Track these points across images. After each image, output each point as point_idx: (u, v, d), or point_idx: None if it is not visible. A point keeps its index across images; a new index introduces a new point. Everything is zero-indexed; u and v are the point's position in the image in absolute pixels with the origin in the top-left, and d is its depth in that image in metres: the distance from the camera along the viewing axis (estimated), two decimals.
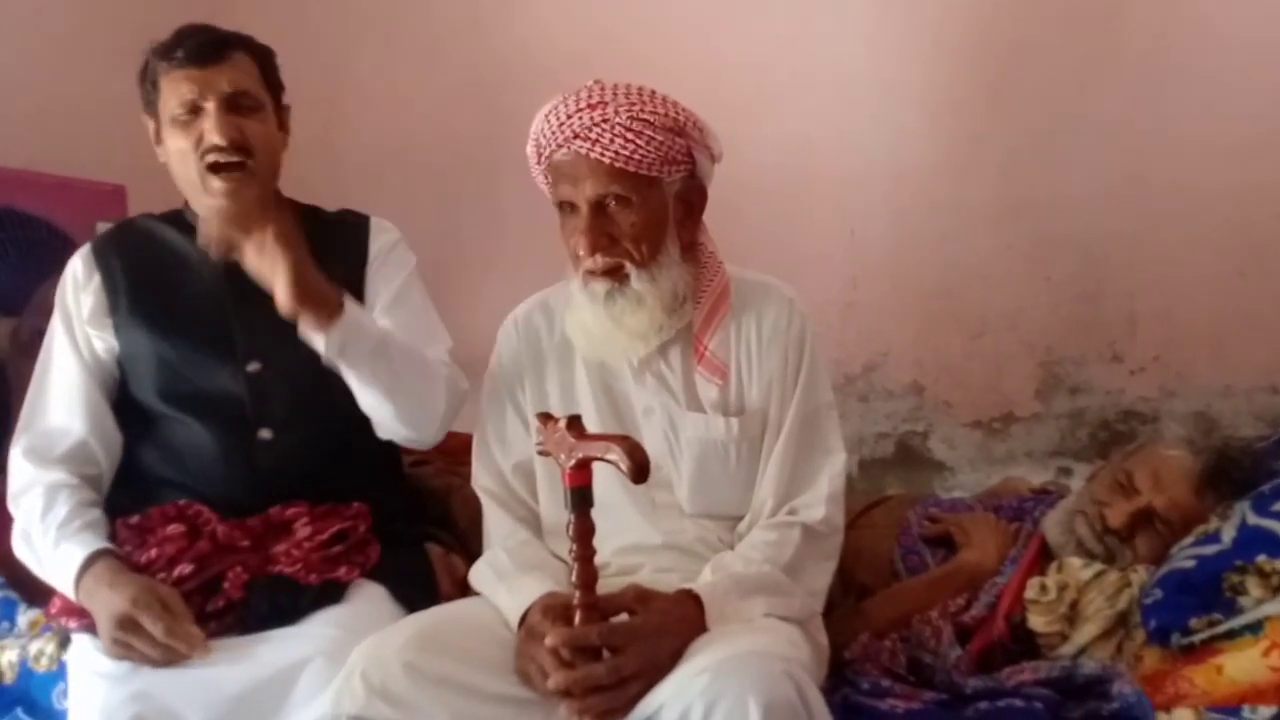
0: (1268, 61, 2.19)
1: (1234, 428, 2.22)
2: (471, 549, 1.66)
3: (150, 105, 1.63)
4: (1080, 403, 2.38)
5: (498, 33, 2.75)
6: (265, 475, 1.58)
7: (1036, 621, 1.50)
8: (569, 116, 1.44)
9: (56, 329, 1.66)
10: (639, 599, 1.33)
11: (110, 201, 2.43)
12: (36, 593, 1.63)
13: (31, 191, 2.30)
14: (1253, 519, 1.48)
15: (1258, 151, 2.20)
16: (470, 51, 2.77)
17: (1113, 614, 1.49)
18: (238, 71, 1.60)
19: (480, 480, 1.60)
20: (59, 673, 1.54)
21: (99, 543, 1.50)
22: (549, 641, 1.27)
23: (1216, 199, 2.23)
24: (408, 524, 1.70)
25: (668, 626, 1.31)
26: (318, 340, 1.45)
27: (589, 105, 1.43)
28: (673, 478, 1.53)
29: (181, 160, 1.60)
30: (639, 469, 1.17)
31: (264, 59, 1.66)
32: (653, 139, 1.43)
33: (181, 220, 1.69)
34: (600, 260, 1.46)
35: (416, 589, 1.56)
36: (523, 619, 1.37)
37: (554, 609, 1.32)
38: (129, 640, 1.39)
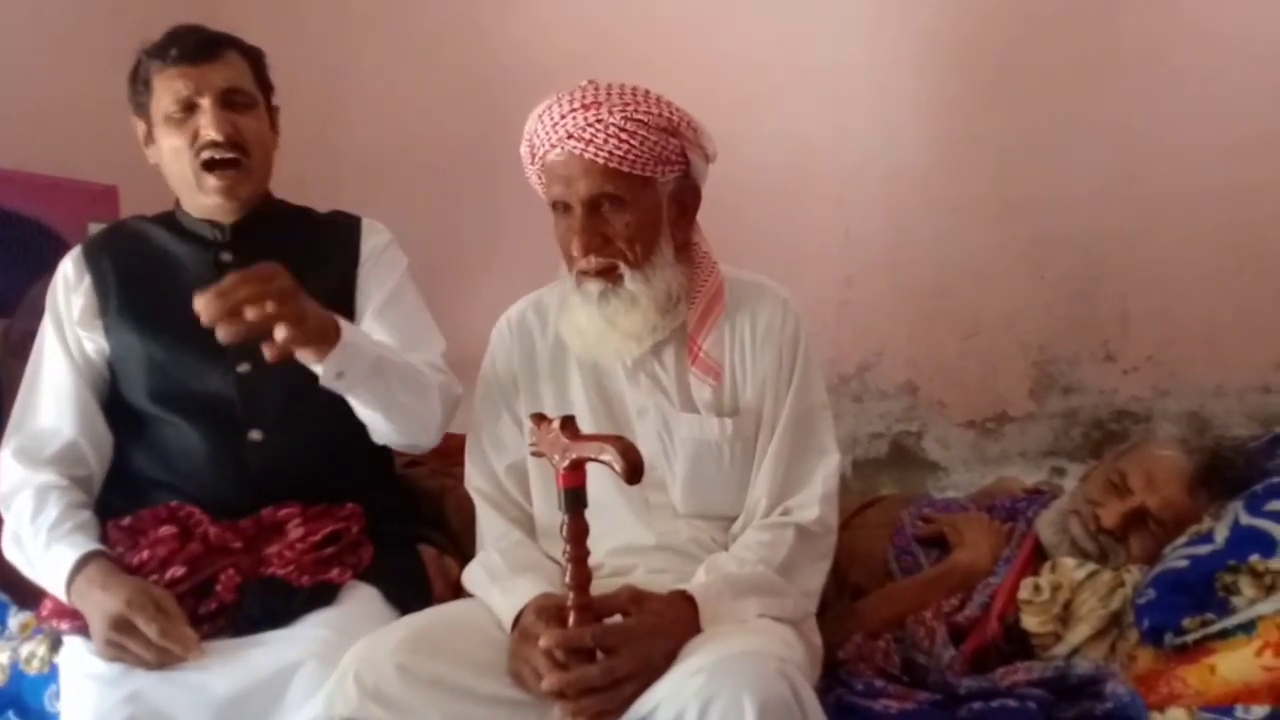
0: (1264, 62, 2.19)
1: (1227, 427, 2.22)
2: (465, 550, 1.66)
3: (141, 107, 1.63)
4: (1074, 402, 2.38)
5: (495, 33, 2.75)
6: (256, 476, 1.58)
7: (1030, 622, 1.50)
8: (563, 117, 1.43)
9: (47, 330, 1.65)
10: (633, 600, 1.32)
11: (102, 202, 2.43)
12: (27, 595, 1.62)
13: (23, 192, 2.30)
14: (1246, 519, 1.48)
15: (1254, 152, 2.19)
16: (468, 52, 2.77)
17: (1106, 614, 1.49)
18: (232, 69, 1.61)
19: (473, 481, 1.60)
20: (51, 675, 1.54)
21: (91, 544, 1.50)
22: (543, 643, 1.27)
23: (1213, 199, 2.23)
24: (401, 525, 1.70)
25: (662, 627, 1.31)
26: (315, 368, 1.42)
27: (583, 105, 1.43)
28: (666, 478, 1.52)
29: (176, 158, 1.59)
30: (633, 470, 1.16)
31: (255, 59, 1.67)
32: (646, 139, 1.43)
33: (173, 221, 1.69)
34: (594, 260, 1.46)
35: (410, 590, 1.56)
36: (516, 620, 1.37)
37: (548, 610, 1.32)
38: (123, 642, 1.39)
